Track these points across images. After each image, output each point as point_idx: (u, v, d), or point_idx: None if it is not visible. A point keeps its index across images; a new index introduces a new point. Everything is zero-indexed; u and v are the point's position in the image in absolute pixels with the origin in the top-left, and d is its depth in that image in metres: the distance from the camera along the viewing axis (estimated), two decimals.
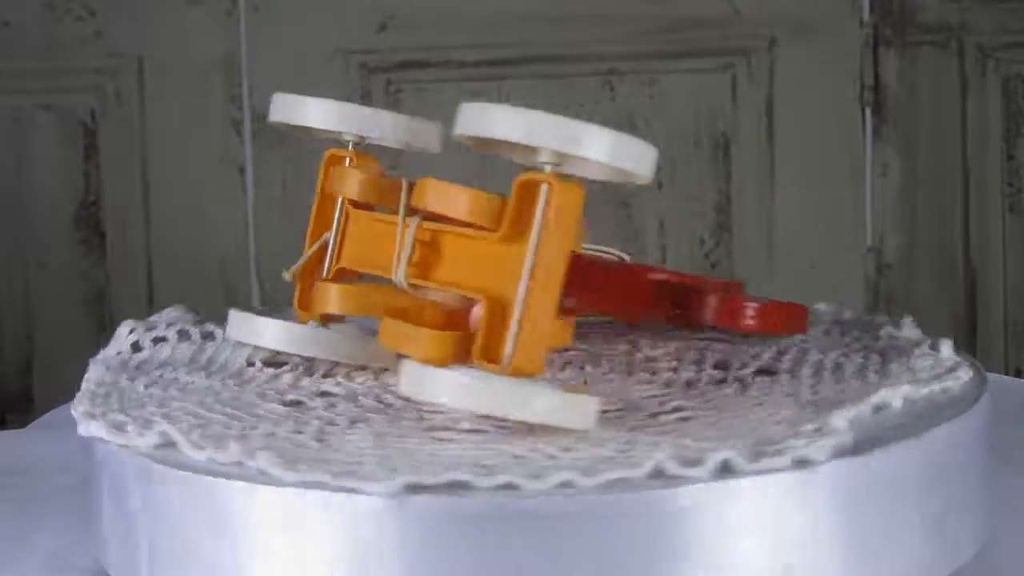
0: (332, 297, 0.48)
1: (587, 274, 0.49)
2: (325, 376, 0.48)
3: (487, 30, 1.10)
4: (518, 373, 0.40)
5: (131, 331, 0.53)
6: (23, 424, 0.69)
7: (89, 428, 0.42)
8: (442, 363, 0.41)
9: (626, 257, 0.53)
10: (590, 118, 0.40)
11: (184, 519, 0.39)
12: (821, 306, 0.54)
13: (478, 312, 0.43)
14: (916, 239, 1.10)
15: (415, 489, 0.36)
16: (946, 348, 0.47)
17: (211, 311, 0.55)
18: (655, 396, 0.45)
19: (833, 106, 1.09)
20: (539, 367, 0.40)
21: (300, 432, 0.41)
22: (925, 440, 0.40)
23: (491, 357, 0.40)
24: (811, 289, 1.08)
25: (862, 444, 0.39)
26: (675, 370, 0.48)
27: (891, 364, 0.47)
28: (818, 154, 1.09)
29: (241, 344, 0.51)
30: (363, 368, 0.49)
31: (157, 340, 0.53)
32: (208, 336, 0.54)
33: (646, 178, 0.40)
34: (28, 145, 1.10)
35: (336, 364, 0.50)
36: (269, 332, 0.49)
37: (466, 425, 0.42)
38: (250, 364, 0.50)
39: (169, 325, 0.54)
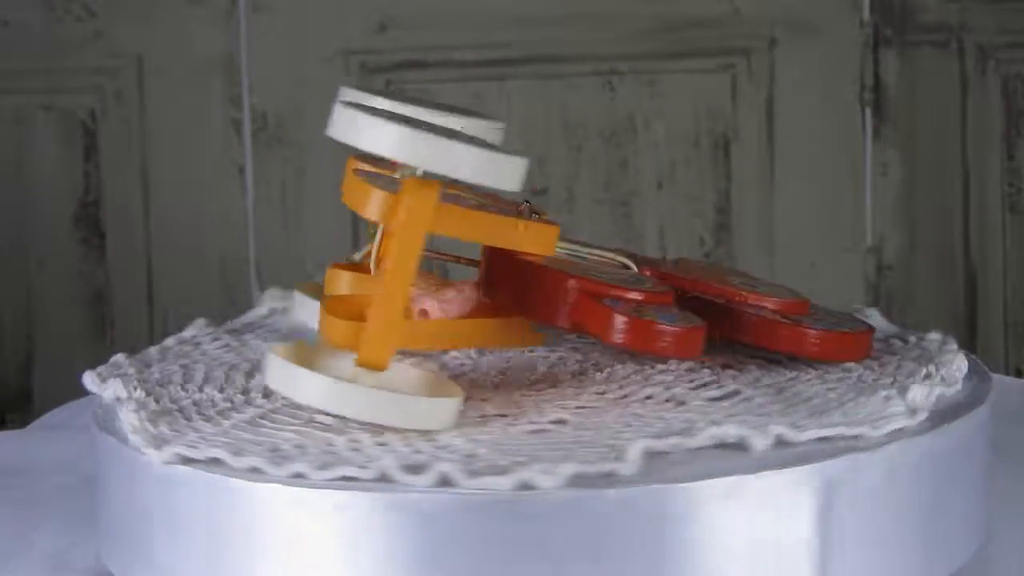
0: None
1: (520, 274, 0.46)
2: None
3: (487, 30, 1.09)
4: (366, 365, 0.41)
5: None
6: (23, 424, 0.69)
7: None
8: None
9: (631, 265, 0.50)
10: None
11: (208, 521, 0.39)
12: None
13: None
14: (916, 239, 1.10)
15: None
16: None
17: (211, 311, 0.55)
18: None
19: (833, 106, 1.09)
20: (383, 364, 0.41)
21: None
22: (928, 440, 0.40)
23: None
24: (811, 289, 1.07)
25: (862, 444, 0.39)
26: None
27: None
28: (818, 154, 1.09)
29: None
30: None
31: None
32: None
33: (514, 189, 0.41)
34: (28, 145, 1.10)
35: None
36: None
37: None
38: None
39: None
